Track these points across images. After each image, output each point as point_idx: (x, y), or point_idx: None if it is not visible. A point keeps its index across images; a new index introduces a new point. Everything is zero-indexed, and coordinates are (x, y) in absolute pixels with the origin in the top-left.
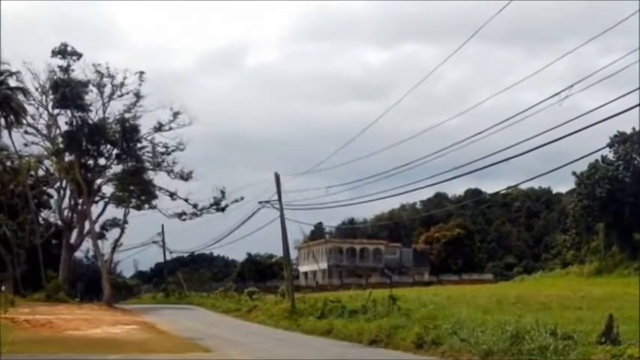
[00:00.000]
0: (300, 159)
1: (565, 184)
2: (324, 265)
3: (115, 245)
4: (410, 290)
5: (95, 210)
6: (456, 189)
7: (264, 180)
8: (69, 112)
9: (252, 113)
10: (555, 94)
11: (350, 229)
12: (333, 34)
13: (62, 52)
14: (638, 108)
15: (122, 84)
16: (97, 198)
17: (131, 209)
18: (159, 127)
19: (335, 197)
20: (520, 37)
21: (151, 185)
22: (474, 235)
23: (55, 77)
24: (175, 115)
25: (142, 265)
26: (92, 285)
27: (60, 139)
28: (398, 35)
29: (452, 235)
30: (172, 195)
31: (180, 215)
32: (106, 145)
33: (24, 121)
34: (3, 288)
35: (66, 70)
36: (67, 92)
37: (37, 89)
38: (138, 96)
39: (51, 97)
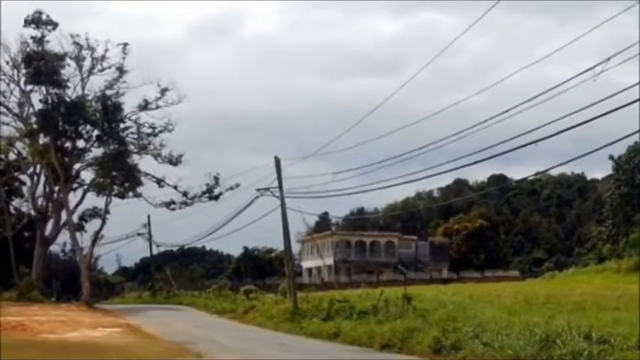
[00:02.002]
0: (303, 141)
1: (601, 169)
2: (329, 261)
3: (96, 238)
4: (426, 288)
5: (73, 198)
6: (478, 175)
7: (263, 165)
8: (43, 88)
9: (249, 90)
10: (589, 69)
11: (359, 220)
12: (340, 1)
13: (36, 21)
14: None
15: (103, 57)
16: (75, 185)
17: (113, 197)
18: (144, 106)
19: (343, 184)
20: (550, 4)
21: (135, 170)
22: (498, 226)
23: (28, 49)
24: (163, 91)
25: (126, 260)
26: (70, 283)
27: (33, 119)
28: (413, 2)
29: (473, 227)
30: (160, 181)
31: (168, 204)
32: (85, 126)
33: None
34: None
35: (40, 41)
36: (41, 66)
37: (7, 63)
38: (121, 70)
39: (23, 71)
